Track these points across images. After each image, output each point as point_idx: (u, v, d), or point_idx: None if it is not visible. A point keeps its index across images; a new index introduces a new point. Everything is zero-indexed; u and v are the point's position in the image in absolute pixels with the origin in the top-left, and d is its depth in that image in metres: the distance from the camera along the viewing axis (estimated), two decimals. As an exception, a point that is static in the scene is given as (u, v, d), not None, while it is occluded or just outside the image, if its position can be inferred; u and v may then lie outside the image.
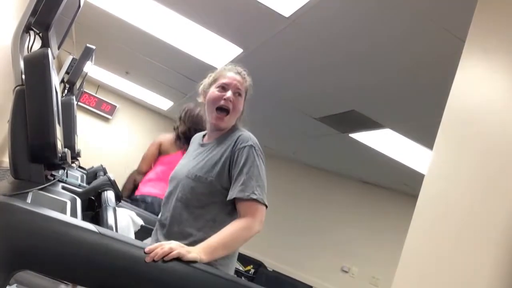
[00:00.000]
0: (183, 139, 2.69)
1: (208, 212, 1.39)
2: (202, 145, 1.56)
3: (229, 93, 1.43)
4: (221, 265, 1.35)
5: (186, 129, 2.70)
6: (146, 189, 2.70)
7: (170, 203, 1.47)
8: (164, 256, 1.05)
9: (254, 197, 1.32)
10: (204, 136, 1.62)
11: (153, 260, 1.04)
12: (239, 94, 1.47)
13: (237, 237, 1.27)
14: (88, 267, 1.03)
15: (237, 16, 2.64)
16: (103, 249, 1.04)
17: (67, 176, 2.09)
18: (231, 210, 1.40)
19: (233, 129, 1.50)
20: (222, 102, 1.43)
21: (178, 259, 1.11)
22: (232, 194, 1.34)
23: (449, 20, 1.95)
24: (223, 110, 1.44)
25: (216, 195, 1.40)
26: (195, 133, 1.72)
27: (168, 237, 1.39)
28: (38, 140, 1.28)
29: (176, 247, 1.09)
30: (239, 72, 1.52)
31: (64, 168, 2.07)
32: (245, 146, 1.38)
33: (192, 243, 1.25)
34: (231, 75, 1.48)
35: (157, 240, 1.44)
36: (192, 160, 1.52)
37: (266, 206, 1.37)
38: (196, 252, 1.14)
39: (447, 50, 2.11)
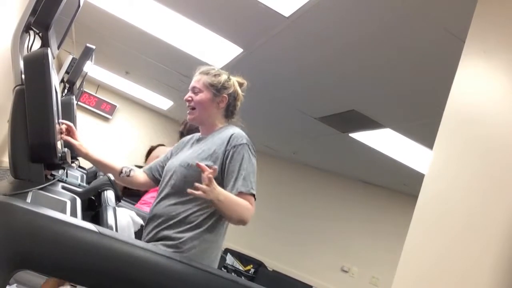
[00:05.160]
0: None
1: (196, 199, 1.45)
2: (198, 140, 1.67)
3: (186, 95, 1.63)
4: (193, 250, 1.41)
5: None
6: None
7: (163, 191, 1.56)
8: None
9: (253, 192, 1.45)
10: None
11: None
12: (197, 91, 1.61)
13: (241, 209, 1.41)
14: (88, 266, 1.03)
15: (237, 16, 2.64)
16: (103, 249, 1.04)
17: (67, 176, 2.10)
18: None
19: (226, 126, 1.63)
20: (186, 104, 1.65)
21: (182, 260, 1.11)
22: (237, 189, 1.44)
23: (449, 20, 1.95)
24: (189, 108, 1.64)
25: None
26: None
27: (156, 220, 1.49)
28: (38, 140, 1.28)
29: (214, 187, 1.31)
30: (200, 72, 1.65)
31: (64, 168, 2.07)
32: (241, 144, 1.49)
33: (177, 224, 1.43)
34: (193, 79, 1.65)
35: (146, 230, 1.54)
36: (186, 152, 1.63)
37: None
38: (216, 195, 1.33)
39: (447, 50, 2.11)
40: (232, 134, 1.52)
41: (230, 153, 1.48)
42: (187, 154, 1.60)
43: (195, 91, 1.61)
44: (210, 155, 1.50)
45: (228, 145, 1.49)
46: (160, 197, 1.56)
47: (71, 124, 1.66)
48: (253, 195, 1.45)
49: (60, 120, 1.63)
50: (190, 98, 1.61)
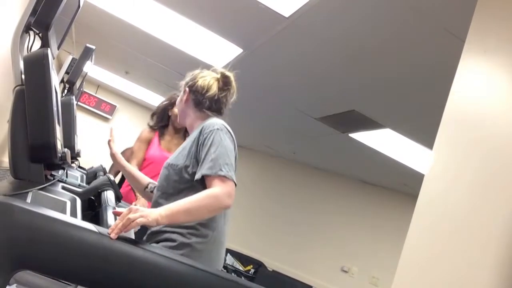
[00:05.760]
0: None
1: (182, 197, 1.40)
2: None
3: None
4: (199, 243, 1.37)
5: None
6: None
7: (155, 194, 1.55)
8: (124, 228, 1.12)
9: (222, 173, 1.34)
10: None
11: (117, 235, 1.09)
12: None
13: (201, 204, 1.30)
14: (88, 267, 1.03)
15: (237, 16, 2.64)
16: (102, 249, 1.04)
17: (67, 176, 2.10)
18: None
19: (203, 120, 1.57)
20: None
21: (182, 260, 1.11)
22: (200, 173, 1.37)
23: (449, 20, 1.95)
24: None
25: (186, 181, 1.43)
26: None
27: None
28: (38, 140, 1.28)
29: (134, 216, 1.14)
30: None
31: (64, 168, 2.07)
32: (211, 130, 1.44)
33: (169, 226, 1.35)
34: None
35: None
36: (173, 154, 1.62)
37: (235, 184, 1.39)
38: (154, 215, 1.19)
39: (447, 50, 2.11)
40: (203, 125, 1.48)
41: (201, 142, 1.43)
42: (172, 155, 1.60)
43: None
44: (186, 154, 1.47)
45: (200, 136, 1.45)
46: (153, 199, 1.54)
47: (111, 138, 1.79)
48: (223, 176, 1.34)
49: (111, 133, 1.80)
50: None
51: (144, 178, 1.74)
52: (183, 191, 1.42)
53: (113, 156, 1.76)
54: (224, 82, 1.59)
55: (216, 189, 1.32)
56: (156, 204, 1.46)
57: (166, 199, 1.44)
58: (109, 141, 1.76)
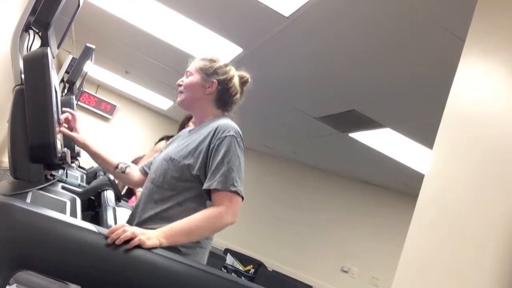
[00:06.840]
0: None
1: (177, 196, 1.37)
2: (190, 131, 1.57)
3: (179, 80, 1.57)
4: (186, 247, 1.33)
5: None
6: None
7: (146, 187, 1.48)
8: (125, 241, 1.04)
9: (233, 189, 1.30)
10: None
11: (114, 244, 1.03)
12: (188, 75, 1.54)
13: (204, 225, 1.26)
14: (88, 267, 1.03)
15: (237, 16, 2.64)
16: (102, 249, 1.04)
17: (66, 176, 2.09)
18: (201, 196, 1.38)
19: (216, 117, 1.51)
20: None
21: (181, 260, 1.11)
22: (211, 184, 1.32)
23: (449, 20, 1.95)
24: (179, 92, 1.56)
25: (186, 181, 1.38)
26: None
27: (137, 217, 1.40)
28: (38, 140, 1.28)
29: (137, 233, 1.08)
30: (197, 58, 1.58)
31: (63, 168, 2.07)
32: (226, 136, 1.37)
33: (157, 222, 1.30)
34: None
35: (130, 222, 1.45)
36: (174, 144, 1.54)
37: (243, 198, 1.35)
38: (156, 237, 1.14)
39: (447, 50, 2.11)
40: (218, 126, 1.40)
41: (214, 146, 1.35)
42: (173, 147, 1.52)
43: (187, 75, 1.54)
44: (192, 152, 1.39)
45: (213, 137, 1.37)
46: (143, 192, 1.47)
47: (74, 113, 1.57)
48: (234, 192, 1.30)
49: (64, 109, 1.57)
50: (181, 82, 1.54)
51: (113, 158, 1.62)
52: (180, 190, 1.38)
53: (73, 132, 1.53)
54: (245, 86, 1.57)
55: (222, 209, 1.28)
56: (149, 197, 1.42)
57: (159, 193, 1.40)
58: (69, 118, 1.55)
